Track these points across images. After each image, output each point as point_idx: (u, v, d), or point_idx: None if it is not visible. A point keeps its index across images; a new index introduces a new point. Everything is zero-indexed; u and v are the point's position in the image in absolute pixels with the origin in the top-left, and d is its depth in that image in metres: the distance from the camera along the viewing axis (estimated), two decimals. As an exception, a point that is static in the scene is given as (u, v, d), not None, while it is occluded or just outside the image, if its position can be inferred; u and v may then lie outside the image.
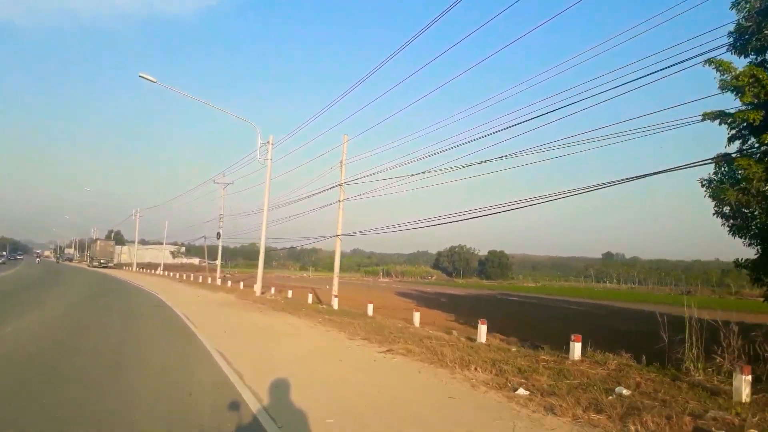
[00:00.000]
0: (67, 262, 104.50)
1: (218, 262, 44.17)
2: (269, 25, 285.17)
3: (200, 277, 42.65)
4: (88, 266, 78.34)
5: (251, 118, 44.51)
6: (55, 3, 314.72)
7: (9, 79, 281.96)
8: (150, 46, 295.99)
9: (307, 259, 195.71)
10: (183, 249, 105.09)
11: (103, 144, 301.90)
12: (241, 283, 34.27)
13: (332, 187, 24.27)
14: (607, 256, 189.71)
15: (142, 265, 76.49)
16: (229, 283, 37.75)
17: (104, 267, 72.02)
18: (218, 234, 41.23)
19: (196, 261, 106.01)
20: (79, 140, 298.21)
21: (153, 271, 64.64)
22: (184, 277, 46.99)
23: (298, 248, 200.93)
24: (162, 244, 77.42)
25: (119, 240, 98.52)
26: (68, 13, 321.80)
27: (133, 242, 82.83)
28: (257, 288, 27.73)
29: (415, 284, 75.55)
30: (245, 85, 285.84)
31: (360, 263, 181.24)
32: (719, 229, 11.18)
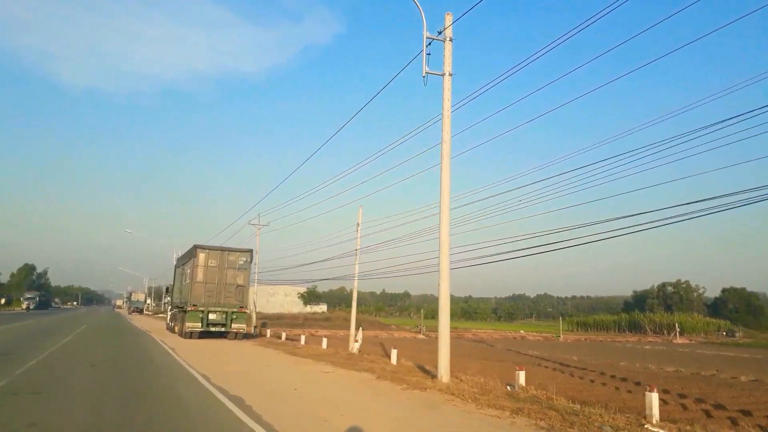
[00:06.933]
0: (136, 314, 72.51)
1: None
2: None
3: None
4: (171, 328, 30.55)
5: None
6: (136, 68, 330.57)
7: (97, 141, 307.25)
8: (222, 104, 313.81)
9: (399, 304, 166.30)
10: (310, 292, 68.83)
11: (185, 199, 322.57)
12: None
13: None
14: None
15: (265, 319, 43.60)
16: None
17: (222, 333, 24.47)
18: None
19: (323, 309, 71.37)
20: (162, 193, 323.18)
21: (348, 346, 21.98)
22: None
23: (382, 291, 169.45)
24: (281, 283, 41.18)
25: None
26: (147, 79, 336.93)
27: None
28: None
29: None
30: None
31: (466, 308, 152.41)
32: None
